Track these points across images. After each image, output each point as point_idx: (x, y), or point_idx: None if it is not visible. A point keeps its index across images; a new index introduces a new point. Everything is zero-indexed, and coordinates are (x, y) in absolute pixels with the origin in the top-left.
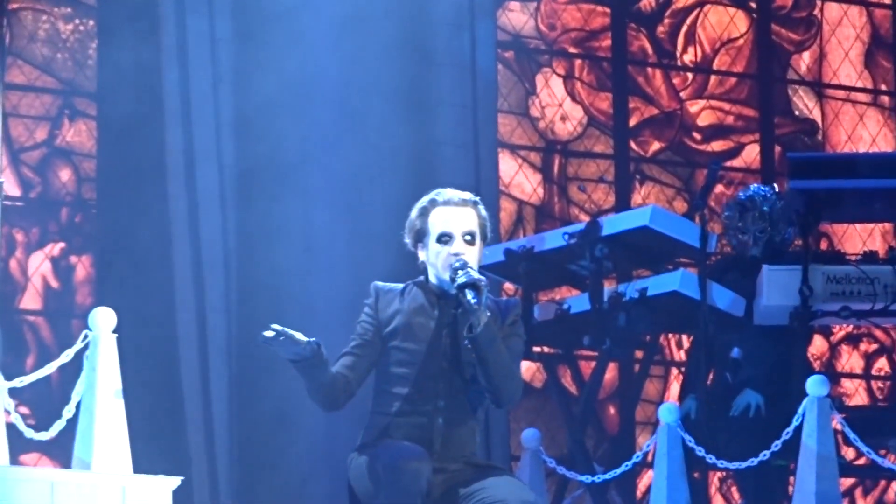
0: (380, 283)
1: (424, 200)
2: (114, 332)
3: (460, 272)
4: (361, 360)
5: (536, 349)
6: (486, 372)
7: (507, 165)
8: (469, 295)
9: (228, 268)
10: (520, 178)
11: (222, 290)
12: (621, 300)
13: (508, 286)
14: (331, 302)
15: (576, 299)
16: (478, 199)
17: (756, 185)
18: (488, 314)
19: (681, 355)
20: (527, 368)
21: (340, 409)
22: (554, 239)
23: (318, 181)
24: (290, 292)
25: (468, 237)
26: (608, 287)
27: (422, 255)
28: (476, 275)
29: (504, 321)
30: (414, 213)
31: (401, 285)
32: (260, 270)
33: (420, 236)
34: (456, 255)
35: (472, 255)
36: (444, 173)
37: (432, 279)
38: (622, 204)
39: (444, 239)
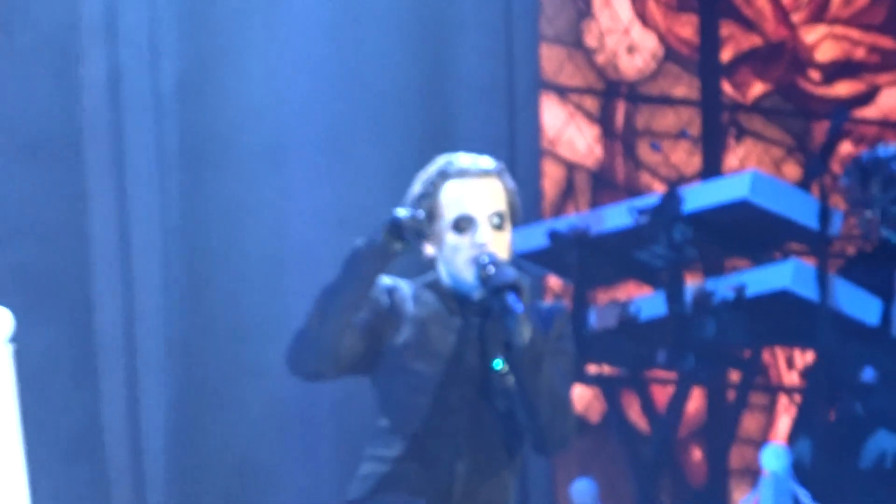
0: (383, 280)
1: (431, 171)
2: (11, 340)
3: (491, 268)
4: (351, 343)
5: (592, 370)
6: (530, 404)
7: (553, 115)
8: (509, 300)
9: (168, 256)
10: (570, 133)
11: (158, 284)
12: (710, 302)
13: (553, 282)
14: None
15: (647, 300)
16: (502, 165)
17: (886, 142)
18: (532, 325)
19: (792, 378)
20: (579, 397)
21: (322, 379)
22: (617, 216)
23: (294, 140)
24: (255, 290)
25: (496, 220)
26: (691, 283)
27: (429, 249)
28: (513, 271)
29: (547, 335)
30: (416, 188)
31: (406, 286)
32: (214, 260)
33: (426, 222)
34: (481, 246)
35: (503, 245)
36: (465, 127)
37: (445, 279)
38: (712, 168)
39: (462, 225)
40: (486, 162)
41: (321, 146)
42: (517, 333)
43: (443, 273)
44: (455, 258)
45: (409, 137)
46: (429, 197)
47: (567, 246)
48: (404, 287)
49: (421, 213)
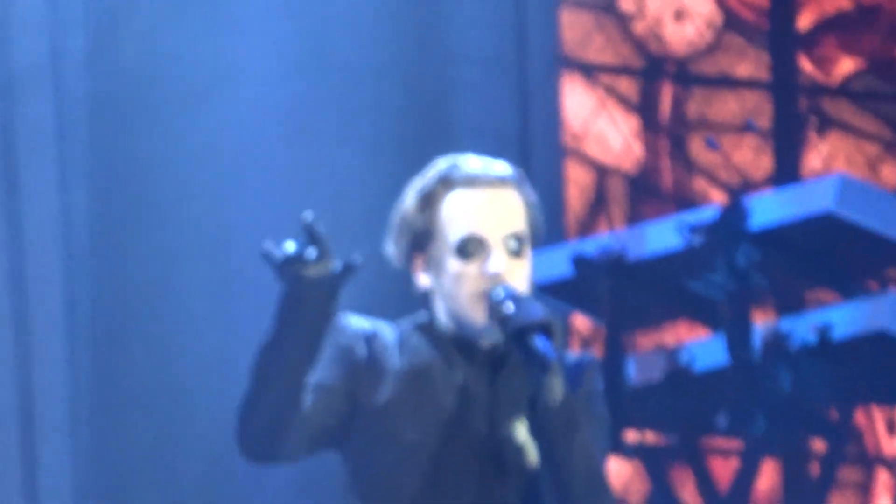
0: (356, 322)
1: (429, 177)
2: None
3: (510, 304)
4: (318, 413)
5: (632, 438)
6: (561, 484)
7: (579, 100)
8: (537, 343)
9: (71, 247)
10: (601, 126)
11: (57, 285)
12: (785, 347)
13: (580, 324)
14: (261, 314)
15: (702, 346)
16: (521, 173)
17: None
18: (564, 379)
19: (894, 447)
20: (614, 473)
21: (280, 462)
22: (662, 236)
23: (243, 134)
24: (190, 295)
25: (513, 244)
26: (760, 323)
27: (423, 280)
28: (540, 308)
29: (587, 389)
30: (408, 201)
31: (389, 330)
32: (132, 257)
33: (420, 245)
34: (494, 276)
35: (522, 275)
36: (462, 118)
37: (444, 319)
38: (786, 171)
39: (470, 248)
40: (502, 167)
41: (282, 131)
42: (548, 388)
43: (440, 311)
44: (459, 292)
45: (390, 131)
46: (426, 211)
47: (597, 275)
48: (387, 332)
49: (312, 253)
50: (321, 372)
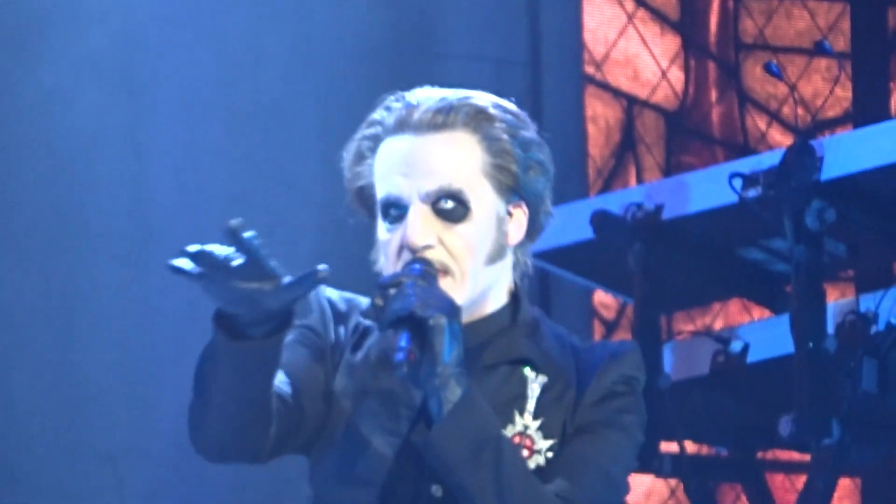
0: (332, 294)
1: (368, 123)
2: None
3: (390, 290)
4: (296, 405)
5: (667, 449)
6: None
7: (600, 14)
8: (400, 340)
9: None
10: (630, 46)
11: None
12: (867, 334)
13: (601, 301)
14: (189, 306)
15: (759, 331)
16: (485, 103)
17: None
18: (464, 380)
19: None
20: (645, 493)
21: (261, 461)
22: (709, 188)
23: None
24: (81, 284)
25: (444, 203)
26: (836, 302)
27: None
28: (418, 297)
29: (597, 389)
30: (349, 152)
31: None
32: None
33: (365, 204)
34: (404, 244)
35: (459, 246)
36: (448, 33)
37: None
38: (868, 106)
39: (391, 213)
40: (449, 98)
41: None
42: (433, 404)
43: None
44: (385, 265)
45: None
46: (360, 161)
47: (624, 238)
48: (351, 303)
49: (237, 257)
50: (290, 362)
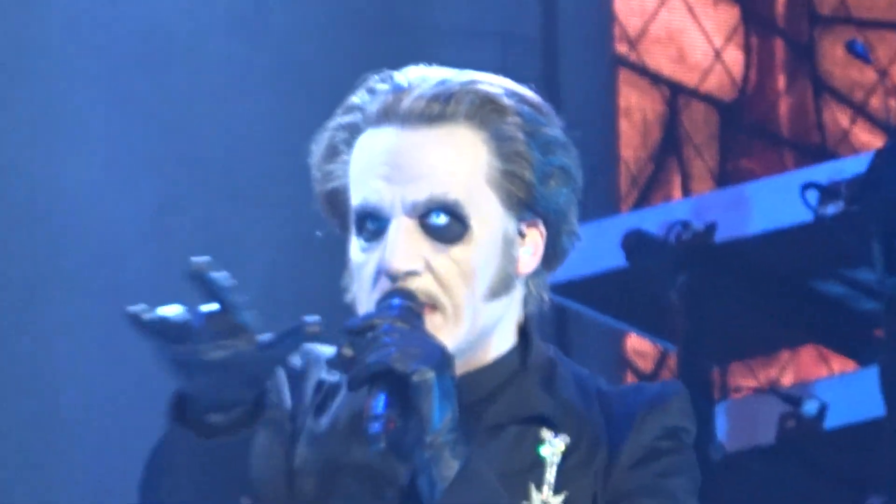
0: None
1: (345, 108)
2: None
3: (362, 336)
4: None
5: None
6: None
7: None
8: (375, 405)
9: None
10: (673, 19)
11: None
12: None
13: (637, 344)
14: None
15: (840, 387)
16: (495, 90)
17: None
18: (462, 450)
19: None
20: None
21: None
22: (773, 203)
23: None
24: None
25: (436, 218)
26: None
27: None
28: (399, 348)
29: (635, 447)
30: (319, 145)
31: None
32: None
33: (337, 212)
34: (383, 269)
35: (453, 274)
36: (452, 1)
37: None
38: None
39: (367, 226)
40: (448, 83)
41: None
42: (424, 479)
43: None
44: (359, 294)
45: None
46: (334, 163)
47: (666, 266)
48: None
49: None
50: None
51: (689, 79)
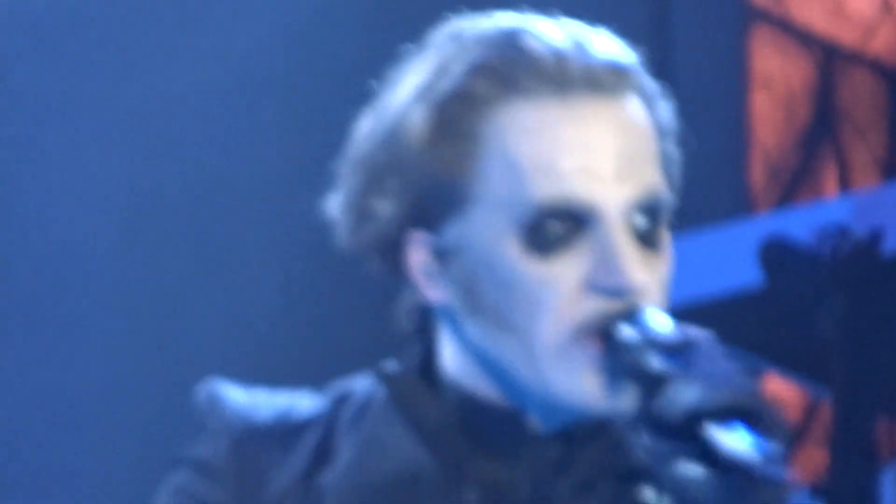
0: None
1: (457, 65)
2: None
3: (659, 357)
4: None
5: None
6: None
7: None
8: (744, 445)
9: None
10: None
11: None
12: None
13: (778, 388)
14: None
15: None
16: (630, 53)
17: None
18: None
19: None
20: None
21: None
22: None
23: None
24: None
25: (643, 222)
26: None
27: (430, 290)
28: (727, 374)
29: None
30: (411, 116)
31: (310, 408)
32: None
33: (427, 214)
34: (624, 292)
35: (659, 286)
36: None
37: (467, 379)
38: None
39: (560, 232)
40: (615, 50)
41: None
42: None
43: (456, 360)
44: (537, 325)
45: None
46: (453, 141)
47: (817, 285)
48: (293, 423)
49: None
50: None
51: (849, 39)
